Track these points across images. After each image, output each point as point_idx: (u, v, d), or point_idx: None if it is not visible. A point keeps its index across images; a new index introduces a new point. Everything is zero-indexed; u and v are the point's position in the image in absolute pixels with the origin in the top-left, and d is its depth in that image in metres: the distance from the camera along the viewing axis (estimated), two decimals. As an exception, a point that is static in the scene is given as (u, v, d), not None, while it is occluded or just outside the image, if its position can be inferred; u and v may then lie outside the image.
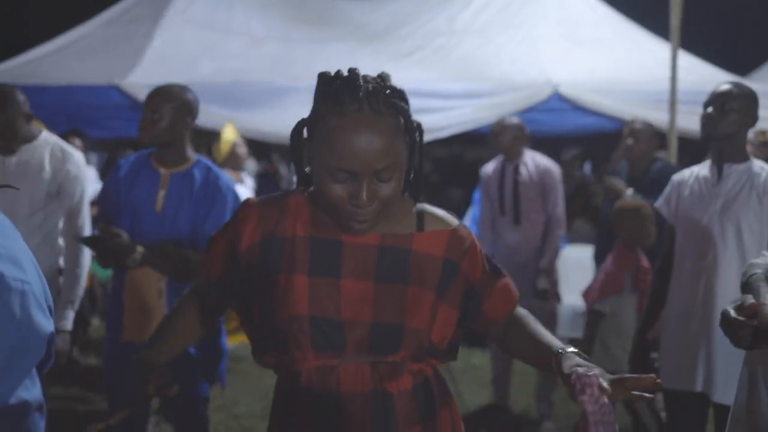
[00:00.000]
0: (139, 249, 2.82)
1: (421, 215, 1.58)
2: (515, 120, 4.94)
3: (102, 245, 2.82)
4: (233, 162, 5.37)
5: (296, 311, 1.48)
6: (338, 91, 1.43)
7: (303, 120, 1.51)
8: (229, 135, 5.63)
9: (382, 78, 1.48)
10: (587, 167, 11.07)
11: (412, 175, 1.55)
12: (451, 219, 1.61)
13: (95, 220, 3.45)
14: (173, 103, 2.89)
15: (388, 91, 1.44)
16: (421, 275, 1.52)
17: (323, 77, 1.48)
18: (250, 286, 1.56)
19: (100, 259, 2.93)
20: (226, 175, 3.04)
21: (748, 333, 1.85)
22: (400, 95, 1.46)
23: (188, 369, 2.95)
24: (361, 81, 1.44)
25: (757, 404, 1.91)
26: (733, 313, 1.90)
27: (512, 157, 4.84)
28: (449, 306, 1.55)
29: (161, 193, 2.92)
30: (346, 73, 1.46)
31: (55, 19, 9.23)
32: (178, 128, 2.90)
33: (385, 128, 1.42)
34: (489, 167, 5.03)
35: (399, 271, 1.51)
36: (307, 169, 1.55)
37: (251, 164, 13.01)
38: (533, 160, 4.84)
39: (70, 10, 8.78)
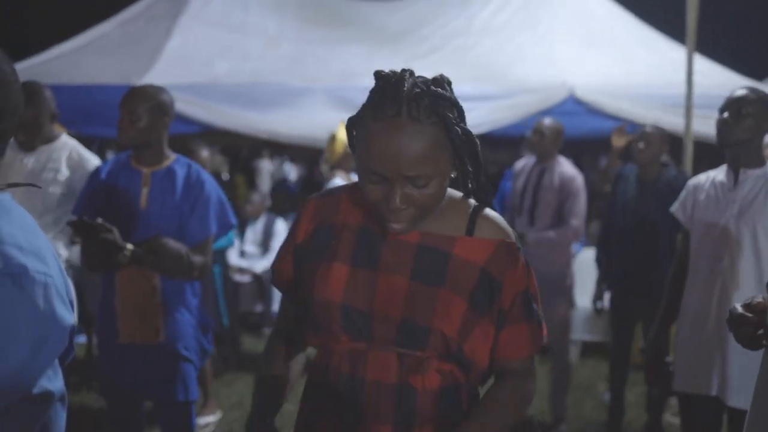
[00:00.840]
0: (129, 246, 2.83)
1: (475, 219, 1.55)
2: (553, 122, 4.89)
3: (91, 236, 2.81)
4: (346, 163, 5.31)
5: (330, 298, 1.51)
6: (381, 93, 1.43)
7: (352, 117, 1.51)
8: (344, 135, 5.59)
9: (435, 82, 1.46)
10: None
11: (470, 183, 1.53)
12: (506, 232, 1.56)
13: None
14: (149, 104, 2.92)
15: (430, 98, 1.41)
16: (456, 280, 1.50)
17: (377, 75, 1.48)
18: (301, 271, 1.59)
19: (87, 257, 2.91)
20: (204, 170, 3.07)
21: (750, 329, 1.87)
22: (445, 102, 1.43)
23: (183, 372, 2.98)
24: (406, 85, 1.42)
25: (763, 406, 1.91)
26: (739, 309, 1.92)
27: (544, 160, 4.82)
28: (485, 320, 1.52)
29: (144, 191, 2.95)
30: (397, 73, 1.45)
31: (73, 19, 9.30)
32: (156, 128, 2.94)
33: (422, 136, 1.40)
34: (520, 163, 5.07)
35: (435, 272, 1.50)
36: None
37: (266, 164, 13.07)
38: (560, 166, 4.79)
39: (88, 10, 8.84)
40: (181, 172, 2.99)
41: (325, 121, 6.43)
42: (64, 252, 3.34)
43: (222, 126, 6.29)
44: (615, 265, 4.58)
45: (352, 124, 1.51)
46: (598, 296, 4.86)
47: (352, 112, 5.52)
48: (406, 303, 1.48)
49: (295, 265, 1.62)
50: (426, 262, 1.51)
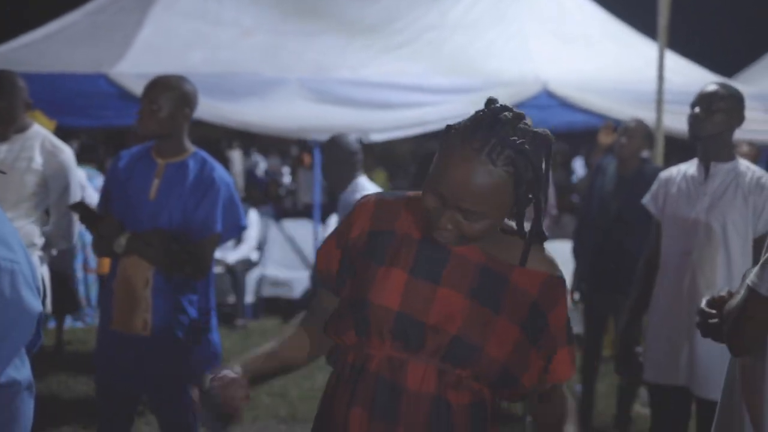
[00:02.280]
0: (125, 234, 2.81)
1: (527, 251, 1.58)
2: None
3: (91, 221, 2.82)
4: None
5: (387, 303, 1.52)
6: (480, 122, 1.45)
7: (449, 125, 1.53)
8: None
9: (532, 136, 1.46)
10: (579, 163, 11.13)
11: (529, 225, 1.56)
12: (555, 265, 1.60)
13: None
14: (171, 94, 2.88)
15: (512, 152, 1.43)
16: (511, 308, 1.54)
17: (488, 102, 1.50)
18: (351, 268, 1.60)
19: (94, 241, 2.96)
20: (221, 167, 3.03)
21: (709, 321, 1.95)
22: (527, 160, 1.45)
23: (176, 369, 2.94)
24: (499, 128, 1.44)
25: (733, 394, 1.95)
26: (702, 303, 2.00)
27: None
28: (533, 350, 1.57)
29: (155, 182, 2.92)
30: (498, 111, 1.46)
31: (44, 7, 9.18)
32: (176, 119, 2.90)
33: (490, 178, 1.43)
34: None
35: (494, 296, 1.54)
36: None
37: (237, 156, 13.00)
38: None
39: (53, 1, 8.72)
40: (194, 167, 2.94)
41: (299, 112, 6.42)
42: (39, 240, 3.31)
43: (196, 116, 6.24)
44: (589, 257, 4.60)
45: (445, 132, 1.53)
46: (574, 288, 4.88)
47: (326, 104, 5.51)
48: (465, 320, 1.52)
49: (343, 261, 1.63)
50: (486, 285, 1.54)
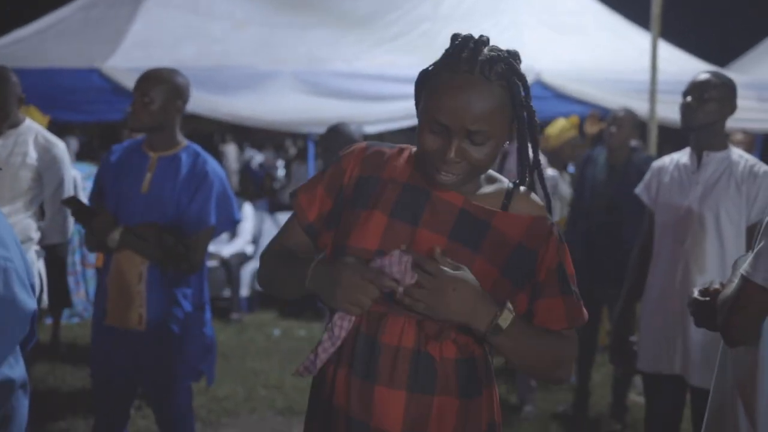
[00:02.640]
0: (119, 229, 2.81)
1: (510, 195, 1.59)
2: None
3: (84, 216, 2.83)
4: (568, 152, 5.15)
5: (366, 245, 1.53)
6: (459, 50, 1.49)
7: (424, 70, 1.56)
8: (556, 129, 5.40)
9: (511, 54, 1.52)
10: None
11: (527, 153, 1.58)
12: (541, 208, 1.60)
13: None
14: (164, 86, 2.89)
15: (503, 64, 1.48)
16: (491, 251, 1.53)
17: (455, 36, 1.53)
18: (339, 217, 1.61)
19: (86, 236, 2.96)
20: (214, 160, 3.03)
21: (702, 311, 1.95)
22: (519, 74, 1.50)
23: (172, 363, 2.95)
24: (485, 49, 1.49)
25: (726, 383, 1.96)
26: (695, 293, 2.00)
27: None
28: (519, 292, 1.55)
29: (148, 176, 2.92)
30: (476, 37, 1.51)
31: (36, 2, 9.13)
32: (169, 111, 2.90)
33: (489, 95, 1.46)
34: None
35: (473, 237, 1.54)
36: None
37: (232, 150, 12.97)
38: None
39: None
40: (187, 160, 2.95)
41: (292, 105, 6.40)
42: (35, 235, 3.30)
43: (188, 110, 6.22)
44: (582, 247, 4.61)
45: (422, 78, 1.56)
46: None
47: (319, 96, 5.49)
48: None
49: (335, 206, 1.62)
50: (466, 227, 1.54)
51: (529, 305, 1.58)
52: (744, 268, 1.80)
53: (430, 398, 1.51)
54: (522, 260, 1.55)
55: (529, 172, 1.61)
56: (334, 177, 1.64)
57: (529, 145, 1.58)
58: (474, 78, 1.45)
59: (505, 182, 1.62)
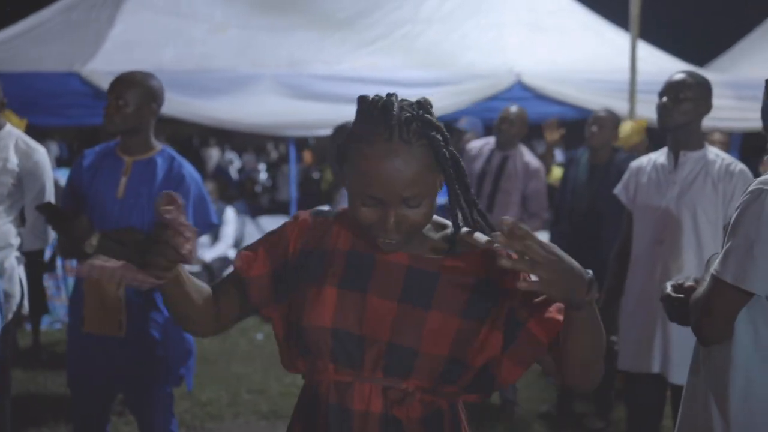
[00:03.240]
0: (96, 234, 2.80)
1: (454, 239, 1.57)
2: (520, 109, 4.87)
3: (60, 222, 2.80)
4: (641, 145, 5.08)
5: (321, 323, 1.51)
6: (372, 119, 1.46)
7: (341, 144, 1.53)
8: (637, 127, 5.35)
9: (420, 106, 1.49)
10: (558, 156, 11.18)
11: (459, 201, 1.55)
12: (487, 242, 1.54)
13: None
14: (138, 89, 2.88)
15: (419, 124, 1.45)
16: (446, 300, 1.52)
17: (362, 100, 1.51)
18: (287, 292, 1.58)
19: (59, 243, 2.93)
20: (189, 164, 3.02)
21: (675, 306, 1.97)
22: (433, 126, 1.48)
23: (153, 368, 2.93)
24: (395, 110, 1.45)
25: (698, 379, 1.97)
26: (668, 288, 2.01)
27: (507, 147, 4.80)
28: (487, 326, 1.52)
29: (123, 180, 2.90)
30: (383, 99, 1.48)
31: (15, 5, 9.06)
32: (143, 114, 2.89)
33: (413, 158, 1.44)
34: (476, 144, 4.98)
35: (424, 294, 1.52)
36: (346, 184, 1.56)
37: (215, 153, 12.94)
38: (524, 156, 4.79)
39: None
40: (162, 164, 2.93)
41: (273, 108, 6.39)
42: (15, 241, 3.28)
43: (168, 114, 6.20)
44: (564, 248, 4.62)
45: (341, 150, 1.53)
46: None
47: (301, 99, 5.48)
48: (393, 325, 1.50)
49: (276, 274, 1.60)
50: (415, 285, 1.52)
51: (523, 325, 1.53)
52: (714, 267, 1.82)
53: None
54: (485, 294, 1.53)
55: (468, 213, 1.57)
56: (278, 243, 1.61)
57: (459, 190, 1.54)
58: (394, 145, 1.43)
59: (449, 227, 1.60)
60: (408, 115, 1.45)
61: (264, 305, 1.62)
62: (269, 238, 1.64)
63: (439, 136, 1.47)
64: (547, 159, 5.08)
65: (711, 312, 1.82)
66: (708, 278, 1.86)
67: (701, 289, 1.88)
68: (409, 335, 1.49)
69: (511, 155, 4.78)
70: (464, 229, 1.57)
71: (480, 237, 1.54)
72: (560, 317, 1.52)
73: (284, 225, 1.63)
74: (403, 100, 1.49)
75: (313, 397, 1.56)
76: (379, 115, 1.45)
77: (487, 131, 5.18)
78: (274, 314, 1.61)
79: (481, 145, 4.95)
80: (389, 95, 1.49)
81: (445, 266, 1.54)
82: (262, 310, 1.62)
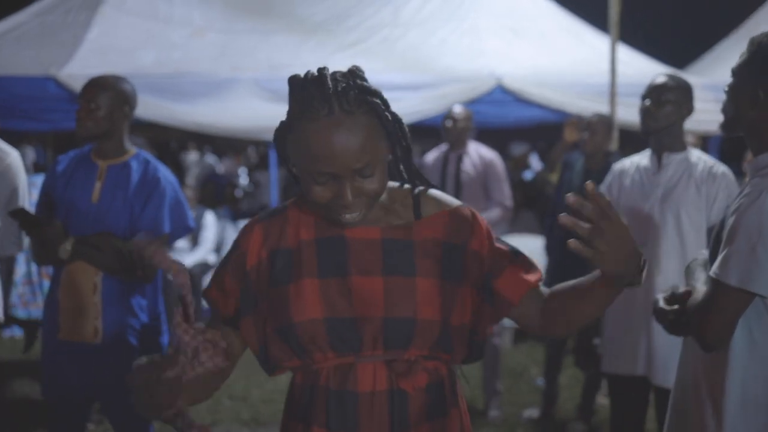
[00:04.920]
0: (70, 239, 2.76)
1: (418, 201, 1.58)
2: (465, 109, 5.00)
3: (33, 228, 2.76)
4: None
5: (311, 315, 1.49)
6: (308, 95, 1.43)
7: (281, 123, 1.52)
8: None
9: (353, 74, 1.47)
10: (534, 160, 11.21)
11: (402, 166, 1.57)
12: (449, 200, 1.60)
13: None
14: (109, 93, 2.86)
15: (357, 91, 1.44)
16: (425, 264, 1.52)
17: (293, 81, 1.48)
18: (260, 302, 1.55)
19: (33, 249, 2.88)
20: (164, 167, 2.99)
21: (672, 318, 1.94)
22: (371, 91, 1.46)
23: (119, 377, 2.88)
24: (329, 83, 1.43)
25: (689, 383, 1.96)
26: (661, 302, 1.98)
27: (457, 147, 4.90)
28: (464, 287, 1.53)
29: (97, 185, 2.88)
30: (315, 74, 1.45)
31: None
32: (115, 118, 2.87)
33: (359, 127, 1.42)
34: (430, 156, 5.12)
35: (405, 263, 1.51)
36: (294, 170, 1.55)
37: (193, 157, 12.86)
38: (477, 151, 4.92)
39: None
40: (137, 168, 2.91)
41: (253, 112, 6.35)
42: None
43: (146, 118, 6.14)
44: (559, 253, 4.62)
45: (279, 134, 1.52)
46: (546, 284, 4.90)
47: (281, 103, 5.43)
48: (386, 300, 1.49)
49: (244, 291, 1.57)
50: (394, 256, 1.52)
51: (489, 286, 1.56)
52: (713, 271, 1.78)
53: None
54: (454, 257, 1.54)
55: (418, 174, 1.60)
56: (237, 263, 1.58)
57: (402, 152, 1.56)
58: (336, 117, 1.41)
59: (406, 191, 1.60)
60: (344, 85, 1.43)
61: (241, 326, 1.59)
62: (230, 259, 1.60)
63: (378, 100, 1.46)
64: (555, 159, 5.10)
65: (714, 316, 1.78)
66: (698, 284, 1.84)
67: (698, 295, 1.86)
68: (404, 305, 1.48)
69: (465, 152, 4.87)
70: (424, 190, 1.58)
71: (440, 197, 1.59)
72: (529, 278, 1.57)
73: (238, 241, 1.59)
74: (334, 72, 1.47)
75: (310, 389, 1.53)
76: (315, 90, 1.43)
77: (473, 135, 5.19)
78: (248, 328, 1.57)
79: (434, 155, 5.09)
80: (320, 69, 1.47)
81: (415, 232, 1.54)
82: (241, 332, 1.59)
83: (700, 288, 1.89)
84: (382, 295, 1.49)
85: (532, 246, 5.95)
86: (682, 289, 1.97)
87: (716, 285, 1.78)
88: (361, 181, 1.45)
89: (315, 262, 1.52)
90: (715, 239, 1.90)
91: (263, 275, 1.55)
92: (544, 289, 1.61)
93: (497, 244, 1.58)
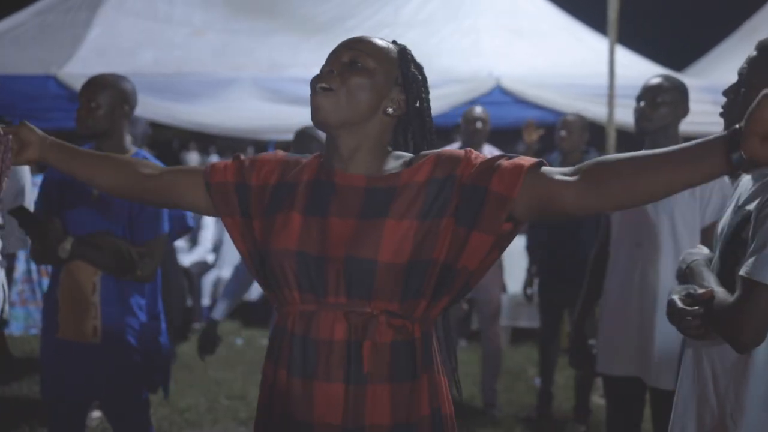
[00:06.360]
0: (70, 239, 2.77)
1: (412, 160, 1.62)
2: (484, 110, 4.98)
3: (33, 227, 2.77)
4: None
5: (286, 246, 1.57)
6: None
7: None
8: None
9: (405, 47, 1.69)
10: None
11: (410, 135, 1.67)
12: (440, 149, 1.64)
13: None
14: (109, 91, 2.87)
15: (398, 46, 1.66)
16: (402, 207, 1.54)
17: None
18: (250, 214, 1.66)
19: (32, 248, 2.89)
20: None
21: (698, 322, 1.87)
22: (409, 55, 1.68)
23: (129, 375, 2.90)
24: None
25: (703, 387, 1.94)
26: (679, 303, 1.91)
27: (477, 148, 4.88)
28: (448, 218, 1.52)
29: None
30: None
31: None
32: (115, 116, 2.88)
33: (379, 41, 1.63)
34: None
35: (381, 207, 1.55)
36: None
37: (195, 157, 12.87)
38: (491, 153, 4.88)
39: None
40: None
41: (253, 112, 6.37)
42: None
43: (147, 117, 6.16)
44: (543, 251, 4.65)
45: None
46: (528, 283, 4.95)
47: (280, 103, 5.48)
48: (351, 240, 1.53)
49: (240, 193, 1.67)
50: (374, 202, 1.56)
51: (486, 190, 1.52)
52: (746, 271, 1.75)
53: (363, 387, 1.51)
54: (443, 190, 1.53)
55: (424, 137, 1.68)
56: (245, 165, 1.69)
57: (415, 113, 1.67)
58: (366, 37, 1.64)
59: (409, 155, 1.66)
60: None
61: (226, 213, 1.68)
62: (240, 158, 1.72)
63: (411, 61, 1.66)
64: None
65: (750, 316, 1.75)
66: (699, 288, 1.83)
67: (724, 296, 1.82)
68: (366, 247, 1.51)
69: (481, 152, 4.87)
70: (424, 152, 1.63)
71: (431, 151, 1.64)
72: (522, 162, 1.52)
73: (259, 156, 1.72)
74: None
75: (281, 332, 1.59)
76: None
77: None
78: (232, 223, 1.67)
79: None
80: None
81: (401, 179, 1.57)
82: (223, 216, 1.69)
83: (719, 289, 1.87)
84: (349, 235, 1.53)
85: (512, 246, 5.97)
86: (699, 290, 1.90)
87: (752, 286, 1.75)
88: (347, 69, 1.58)
89: (304, 200, 1.60)
90: (731, 240, 1.87)
91: (265, 200, 1.65)
92: (548, 169, 1.54)
93: (486, 159, 1.56)
